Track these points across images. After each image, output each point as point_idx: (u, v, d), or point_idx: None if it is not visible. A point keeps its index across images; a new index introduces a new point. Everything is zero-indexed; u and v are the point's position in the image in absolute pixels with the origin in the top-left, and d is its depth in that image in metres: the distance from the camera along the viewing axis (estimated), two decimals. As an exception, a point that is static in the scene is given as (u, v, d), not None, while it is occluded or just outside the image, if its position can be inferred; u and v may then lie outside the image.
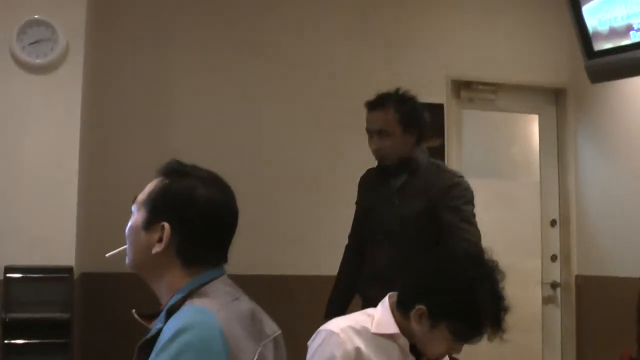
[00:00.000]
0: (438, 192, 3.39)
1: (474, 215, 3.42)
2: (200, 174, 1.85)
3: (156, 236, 1.78)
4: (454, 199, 3.39)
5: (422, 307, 2.22)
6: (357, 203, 3.73)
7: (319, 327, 2.42)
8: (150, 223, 1.80)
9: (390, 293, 2.41)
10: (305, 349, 2.39)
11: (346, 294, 3.70)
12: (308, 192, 5.04)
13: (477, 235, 3.35)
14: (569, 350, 5.60)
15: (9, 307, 3.57)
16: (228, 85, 5.02)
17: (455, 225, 3.34)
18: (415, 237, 3.36)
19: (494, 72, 5.61)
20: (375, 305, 3.38)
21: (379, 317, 2.36)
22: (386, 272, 3.43)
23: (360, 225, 3.72)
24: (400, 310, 2.32)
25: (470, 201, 3.43)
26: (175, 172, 1.85)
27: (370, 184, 3.66)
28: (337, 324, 2.36)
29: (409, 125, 3.46)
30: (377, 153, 3.51)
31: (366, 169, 3.73)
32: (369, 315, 2.39)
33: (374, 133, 3.51)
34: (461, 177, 3.50)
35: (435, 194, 3.39)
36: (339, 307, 3.61)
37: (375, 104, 3.53)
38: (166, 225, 1.77)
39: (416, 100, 3.56)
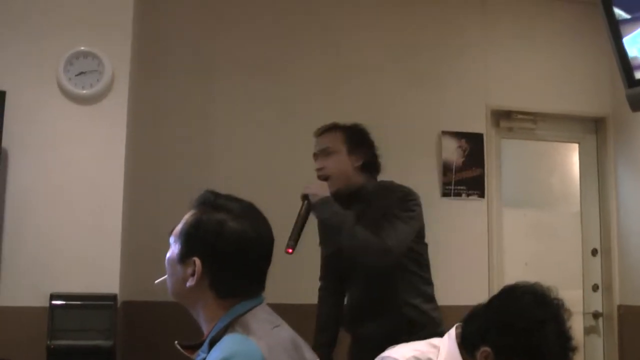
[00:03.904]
0: (387, 208, 3.31)
1: (407, 221, 3.27)
2: (232, 206, 1.86)
3: (190, 270, 1.81)
4: (393, 206, 3.30)
5: (488, 349, 2.17)
6: (320, 244, 3.67)
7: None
8: (184, 257, 1.83)
9: (457, 324, 2.37)
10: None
11: (330, 335, 3.62)
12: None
13: (388, 238, 3.18)
14: (612, 381, 5.53)
15: (53, 334, 3.58)
16: (270, 117, 5.07)
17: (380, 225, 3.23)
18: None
19: (534, 102, 5.62)
20: (366, 341, 3.38)
21: (447, 351, 2.30)
22: (363, 304, 3.45)
23: (330, 265, 3.68)
24: (465, 348, 2.28)
25: (409, 209, 3.31)
26: (207, 204, 1.87)
27: None
28: (402, 353, 2.32)
29: (354, 146, 3.45)
30: (320, 172, 3.46)
31: None
32: (434, 347, 2.34)
33: (318, 154, 3.51)
34: (408, 193, 3.39)
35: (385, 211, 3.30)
36: (325, 350, 3.56)
37: (324, 129, 3.55)
38: (197, 260, 1.80)
39: (367, 130, 3.55)
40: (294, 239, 3.27)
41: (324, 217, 3.33)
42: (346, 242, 3.27)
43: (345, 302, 3.62)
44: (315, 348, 3.52)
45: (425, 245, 3.50)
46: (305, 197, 3.37)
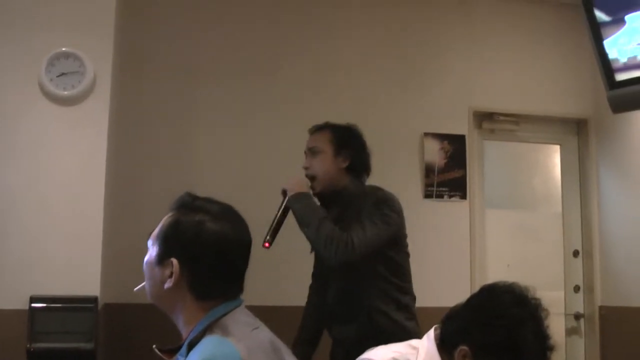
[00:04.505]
0: (362, 211, 3.31)
1: (377, 224, 3.25)
2: (210, 207, 1.87)
3: (168, 272, 1.81)
4: (366, 209, 3.30)
5: (465, 348, 2.18)
6: None
7: None
8: (162, 258, 1.83)
9: (435, 325, 2.37)
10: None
11: (312, 333, 3.65)
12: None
13: (355, 237, 3.17)
14: (593, 382, 5.55)
15: (33, 337, 3.57)
16: (254, 119, 5.07)
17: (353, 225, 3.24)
18: (358, 267, 3.29)
19: (516, 103, 5.64)
20: (339, 342, 3.39)
21: (426, 352, 2.31)
22: (336, 307, 3.45)
23: (316, 264, 3.69)
24: (444, 348, 2.28)
25: (381, 214, 3.29)
26: (186, 206, 1.87)
27: None
28: (381, 355, 2.32)
29: (340, 147, 3.46)
30: (306, 172, 3.48)
31: None
32: (413, 348, 2.35)
33: (307, 152, 3.53)
34: (385, 198, 3.37)
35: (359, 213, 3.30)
36: (305, 349, 3.59)
37: (316, 128, 3.58)
38: (174, 261, 1.80)
39: (358, 131, 3.57)
40: (271, 233, 3.33)
41: (294, 210, 3.34)
42: (311, 236, 3.27)
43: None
44: (296, 345, 3.55)
45: (407, 254, 3.48)
46: (284, 192, 3.40)
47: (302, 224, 3.30)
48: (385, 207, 3.33)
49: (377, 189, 3.46)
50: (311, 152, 3.51)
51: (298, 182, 3.40)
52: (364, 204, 3.33)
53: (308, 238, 3.34)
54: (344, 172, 3.46)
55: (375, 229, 3.24)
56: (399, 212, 3.37)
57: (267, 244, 3.28)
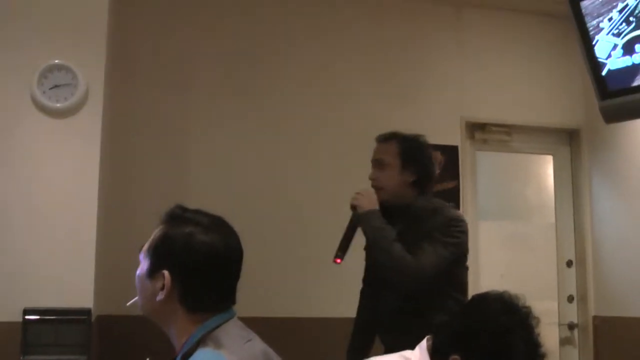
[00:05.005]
0: (430, 230, 3.29)
1: (447, 247, 3.25)
2: (200, 219, 1.86)
3: (159, 284, 1.80)
4: (437, 230, 3.28)
5: (457, 357, 2.17)
6: (365, 248, 3.63)
7: None
8: (153, 271, 1.82)
9: (428, 335, 2.38)
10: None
11: (364, 340, 3.64)
12: (324, 235, 5.03)
13: (425, 261, 3.18)
14: (587, 392, 5.55)
15: (27, 349, 3.56)
16: (247, 130, 5.07)
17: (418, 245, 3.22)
18: None
19: (508, 114, 5.65)
20: (392, 351, 3.37)
21: None
22: (388, 318, 3.43)
23: (371, 271, 3.66)
24: (436, 358, 2.29)
25: (452, 235, 3.29)
26: (175, 219, 1.87)
27: None
28: None
29: (408, 161, 3.41)
30: (373, 184, 3.44)
31: None
32: (406, 359, 2.36)
33: (373, 162, 3.49)
34: (455, 218, 3.38)
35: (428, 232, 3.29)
36: (358, 354, 3.56)
37: (383, 137, 3.53)
38: (166, 273, 1.79)
39: (425, 142, 3.51)
40: (342, 249, 3.32)
41: (364, 230, 3.33)
42: (381, 259, 3.28)
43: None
44: (349, 351, 3.58)
45: (466, 268, 3.47)
46: (353, 207, 3.38)
47: (373, 245, 3.30)
48: (455, 228, 3.32)
49: (445, 207, 3.44)
50: (378, 163, 3.46)
51: (368, 199, 3.35)
52: (433, 222, 3.31)
53: (377, 259, 3.34)
54: (410, 186, 3.41)
55: (444, 252, 3.23)
56: (467, 232, 3.37)
57: (338, 260, 3.28)
